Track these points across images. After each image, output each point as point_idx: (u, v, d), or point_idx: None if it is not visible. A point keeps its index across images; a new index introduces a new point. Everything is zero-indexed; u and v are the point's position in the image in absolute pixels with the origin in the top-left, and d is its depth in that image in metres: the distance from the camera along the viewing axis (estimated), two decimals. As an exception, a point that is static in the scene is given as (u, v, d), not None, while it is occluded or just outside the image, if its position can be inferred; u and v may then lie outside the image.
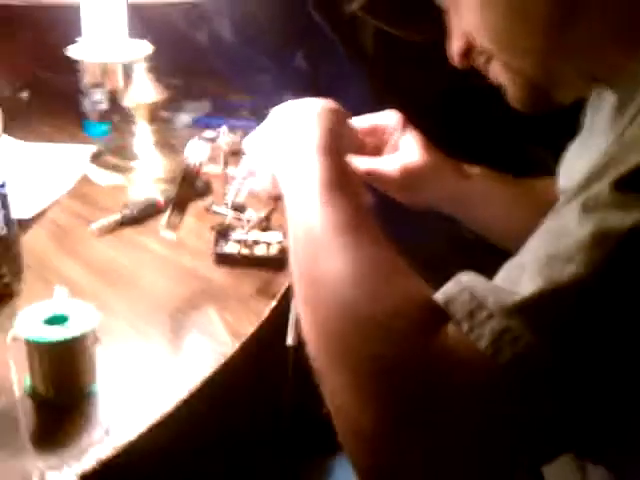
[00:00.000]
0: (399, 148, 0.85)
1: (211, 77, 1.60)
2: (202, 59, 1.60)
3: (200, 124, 1.38)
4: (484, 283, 0.48)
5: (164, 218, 0.85)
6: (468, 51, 0.64)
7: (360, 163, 0.83)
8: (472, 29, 0.62)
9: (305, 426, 0.79)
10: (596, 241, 0.44)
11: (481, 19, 0.60)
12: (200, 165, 0.84)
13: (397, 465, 0.46)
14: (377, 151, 0.86)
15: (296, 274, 0.59)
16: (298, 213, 0.62)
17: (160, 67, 1.18)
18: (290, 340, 0.78)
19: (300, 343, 0.75)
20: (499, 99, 0.72)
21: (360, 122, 0.85)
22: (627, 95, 0.60)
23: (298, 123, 0.70)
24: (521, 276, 0.46)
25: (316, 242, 0.58)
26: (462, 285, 0.48)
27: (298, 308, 0.57)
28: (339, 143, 0.68)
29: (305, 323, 0.56)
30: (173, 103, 1.37)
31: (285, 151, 0.69)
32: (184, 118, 1.39)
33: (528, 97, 0.65)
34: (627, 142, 0.49)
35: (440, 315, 0.48)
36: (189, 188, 0.84)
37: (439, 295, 0.49)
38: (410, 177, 0.83)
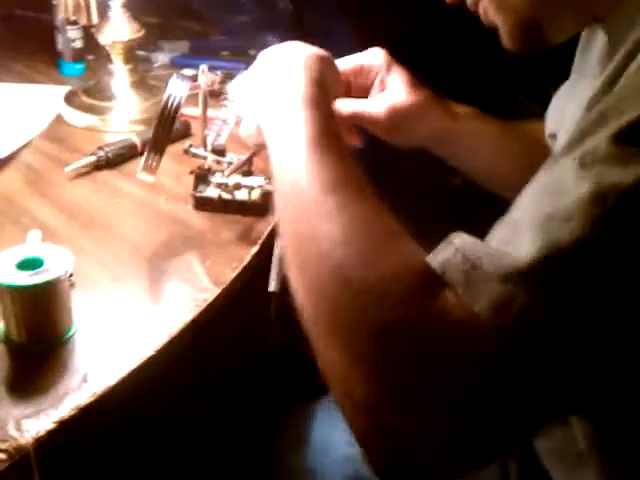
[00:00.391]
0: (386, 87, 0.82)
1: (190, 17, 1.55)
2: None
3: (178, 64, 1.33)
4: (478, 244, 0.46)
5: (141, 161, 0.81)
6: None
7: (345, 105, 0.80)
8: None
9: (288, 371, 0.78)
10: (596, 198, 0.42)
11: None
12: (179, 105, 0.80)
13: (392, 429, 0.45)
14: (364, 92, 0.83)
15: (285, 234, 0.57)
16: (284, 169, 0.59)
17: (137, 5, 1.14)
18: (272, 286, 0.76)
19: (283, 289, 0.74)
20: (489, 45, 0.69)
21: (345, 63, 0.82)
22: (618, 35, 0.59)
23: (283, 71, 0.67)
24: (516, 235, 0.44)
25: (304, 201, 0.55)
26: (455, 247, 0.46)
27: (287, 268, 0.55)
28: (325, 94, 0.65)
29: (294, 283, 0.53)
30: (150, 42, 1.33)
31: (270, 100, 0.66)
32: (162, 58, 1.35)
33: (520, 36, 0.63)
34: (623, 93, 0.47)
35: (435, 279, 0.46)
36: (167, 129, 0.80)
37: (432, 258, 0.47)
38: (397, 117, 0.81)
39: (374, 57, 0.83)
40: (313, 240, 0.52)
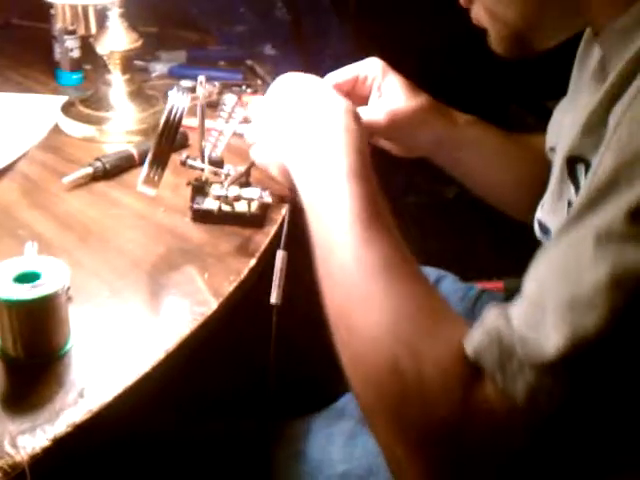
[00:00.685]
0: (384, 94, 0.82)
1: (188, 26, 1.55)
2: (179, 7, 1.55)
3: (176, 74, 1.33)
4: (510, 329, 0.47)
5: (142, 173, 0.80)
6: None
7: None
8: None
9: (286, 385, 0.77)
10: (615, 283, 0.43)
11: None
12: (181, 117, 0.79)
13: None
14: (362, 101, 0.83)
15: (332, 315, 0.58)
16: (327, 245, 0.59)
17: (135, 15, 1.13)
18: (274, 298, 0.76)
19: (284, 301, 0.74)
20: (484, 55, 0.70)
21: (341, 74, 0.83)
22: (613, 50, 0.59)
23: (320, 130, 0.66)
24: (543, 319, 0.46)
25: (352, 285, 0.56)
26: (488, 333, 0.48)
27: (337, 347, 0.57)
28: (368, 164, 0.64)
29: (343, 361, 0.56)
30: (148, 52, 1.33)
31: (308, 163, 0.65)
32: (159, 68, 1.35)
33: (508, 43, 0.65)
34: (632, 150, 0.46)
35: (475, 368, 0.48)
36: (169, 142, 0.78)
37: (468, 346, 0.49)
38: (397, 122, 0.81)
39: (370, 66, 0.83)
40: (360, 327, 0.54)
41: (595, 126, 0.59)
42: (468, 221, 1.66)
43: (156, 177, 0.78)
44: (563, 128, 0.75)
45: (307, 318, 0.83)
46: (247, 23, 1.56)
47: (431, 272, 1.13)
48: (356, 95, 0.83)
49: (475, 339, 0.49)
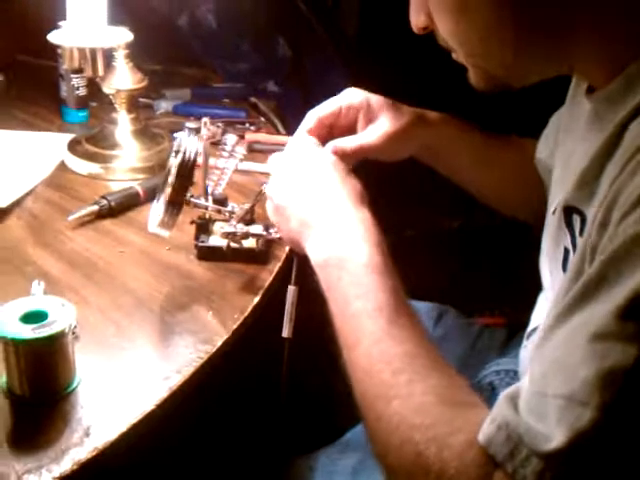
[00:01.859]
0: (372, 120, 0.86)
1: (193, 64, 1.58)
2: (183, 46, 1.57)
3: (180, 112, 1.35)
4: (517, 419, 0.51)
5: (155, 215, 0.81)
6: (429, 28, 0.66)
7: (349, 142, 0.84)
8: (445, 33, 0.64)
9: (292, 423, 0.78)
10: (604, 381, 0.46)
11: (455, 27, 0.62)
12: (195, 160, 0.80)
13: None
14: (348, 130, 0.86)
15: (359, 399, 0.61)
16: (354, 338, 0.63)
17: (141, 53, 1.16)
18: (286, 332, 0.77)
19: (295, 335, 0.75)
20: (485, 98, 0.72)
21: (325, 107, 0.85)
22: (604, 110, 0.61)
23: (338, 222, 0.69)
24: (547, 411, 0.49)
25: (377, 378, 0.60)
26: (498, 425, 0.51)
27: (371, 448, 0.60)
28: (388, 256, 0.67)
29: (371, 444, 0.60)
30: (153, 90, 1.35)
31: (326, 258, 0.68)
32: (164, 105, 1.36)
33: (487, 83, 0.67)
34: (621, 253, 0.49)
35: (490, 456, 0.51)
36: (184, 185, 0.79)
37: (481, 437, 0.52)
38: (392, 142, 0.86)
39: (351, 97, 0.86)
40: (387, 422, 0.57)
41: (589, 181, 0.62)
42: (470, 254, 1.67)
43: (170, 220, 0.80)
44: (557, 167, 0.77)
45: (314, 351, 0.84)
46: (250, 61, 1.59)
47: (432, 308, 1.13)
48: (341, 124, 0.86)
49: (486, 430, 0.52)
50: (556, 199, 0.72)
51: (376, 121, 0.86)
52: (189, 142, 0.80)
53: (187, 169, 0.79)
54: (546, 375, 0.51)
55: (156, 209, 0.82)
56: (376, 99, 0.86)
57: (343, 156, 0.80)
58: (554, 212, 0.72)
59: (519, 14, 0.59)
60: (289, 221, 0.74)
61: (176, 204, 0.79)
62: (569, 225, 0.68)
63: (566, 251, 0.70)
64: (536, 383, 0.51)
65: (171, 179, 0.79)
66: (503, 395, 0.54)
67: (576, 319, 0.50)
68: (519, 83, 0.66)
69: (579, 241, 0.67)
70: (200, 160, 0.88)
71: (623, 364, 0.46)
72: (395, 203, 1.63)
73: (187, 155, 0.79)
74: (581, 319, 0.50)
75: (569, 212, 0.68)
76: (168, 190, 0.79)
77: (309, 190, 0.73)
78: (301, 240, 0.72)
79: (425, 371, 0.59)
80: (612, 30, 0.58)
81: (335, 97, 0.87)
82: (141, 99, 1.30)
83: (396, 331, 0.62)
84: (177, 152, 0.81)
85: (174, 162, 0.79)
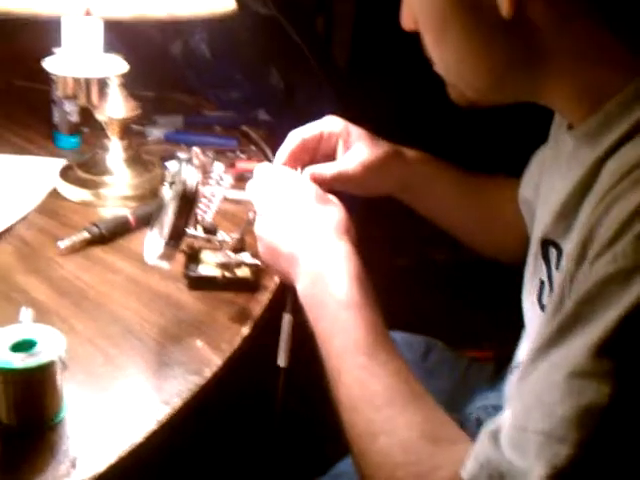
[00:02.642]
0: (349, 148, 0.88)
1: (185, 92, 1.59)
2: (177, 74, 1.59)
3: (172, 139, 1.36)
4: (499, 454, 0.52)
5: (154, 247, 0.81)
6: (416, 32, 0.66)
7: (328, 169, 0.85)
8: (427, 45, 0.65)
9: (286, 452, 0.78)
10: (581, 419, 0.48)
11: (434, 45, 0.64)
12: (196, 193, 0.79)
13: None
14: (330, 156, 0.88)
15: (346, 432, 0.62)
16: (336, 372, 0.64)
17: (134, 80, 1.16)
18: (281, 361, 0.77)
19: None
20: (474, 125, 0.73)
21: (307, 131, 0.87)
22: (582, 146, 0.62)
23: (319, 252, 0.71)
24: (528, 445, 0.50)
25: (358, 413, 0.61)
26: (481, 463, 0.52)
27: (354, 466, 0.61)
28: (369, 290, 0.69)
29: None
30: (145, 117, 1.36)
31: (310, 293, 0.70)
32: (156, 132, 1.37)
33: (459, 100, 0.68)
34: (594, 292, 0.50)
35: None
36: (186, 217, 0.79)
37: (464, 474, 0.53)
38: (368, 172, 0.87)
39: (332, 124, 0.88)
40: (371, 457, 0.59)
41: (566, 215, 0.63)
42: (460, 286, 1.67)
43: (172, 252, 0.79)
44: (539, 203, 0.78)
45: (308, 380, 0.84)
46: (242, 90, 1.60)
47: (420, 341, 1.14)
48: (322, 150, 0.88)
49: (469, 468, 0.53)
50: (535, 233, 0.73)
51: (355, 150, 0.87)
52: (189, 173, 0.79)
53: (190, 201, 0.78)
54: (526, 410, 0.51)
55: (152, 239, 0.82)
56: (355, 129, 0.88)
57: (322, 183, 0.82)
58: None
59: (493, 45, 0.60)
60: (279, 260, 0.76)
61: (179, 236, 0.79)
62: (545, 257, 0.70)
63: (541, 283, 0.71)
64: (517, 417, 0.52)
65: (173, 211, 0.78)
66: (485, 431, 0.54)
67: (554, 355, 0.51)
68: (487, 105, 0.67)
69: (555, 274, 0.68)
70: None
71: (599, 402, 0.47)
72: (387, 233, 1.64)
73: (189, 187, 0.78)
74: (559, 355, 0.51)
75: (546, 245, 0.69)
76: (171, 222, 0.78)
77: (294, 227, 0.74)
78: (291, 278, 0.74)
79: (406, 406, 0.60)
80: (588, 67, 0.59)
81: (317, 122, 0.89)
82: (133, 126, 1.30)
83: (376, 367, 0.62)
84: (172, 183, 0.81)
85: (174, 193, 0.80)
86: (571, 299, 0.52)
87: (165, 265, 0.80)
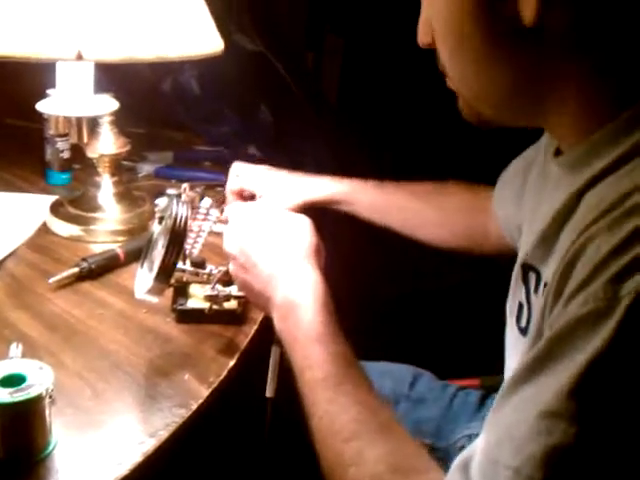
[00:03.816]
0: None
1: (175, 127, 1.61)
2: (167, 109, 1.61)
3: (162, 175, 1.38)
4: None
5: (143, 281, 0.82)
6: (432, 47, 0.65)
7: None
8: (442, 58, 0.64)
9: None
10: (549, 458, 0.48)
11: (449, 57, 0.63)
12: (185, 228, 0.81)
13: None
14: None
15: (321, 463, 0.64)
16: (308, 403, 0.66)
17: (125, 116, 1.19)
18: (269, 392, 0.78)
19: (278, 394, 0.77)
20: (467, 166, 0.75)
21: (231, 184, 1.01)
22: (565, 175, 0.63)
23: (288, 283, 0.74)
24: (496, 479, 0.51)
25: (329, 446, 0.63)
26: None
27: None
28: (336, 321, 0.71)
29: None
30: (136, 153, 1.38)
31: (281, 323, 0.73)
32: (146, 168, 1.39)
33: (469, 115, 0.67)
34: (565, 333, 0.51)
35: None
36: (176, 253, 0.80)
37: None
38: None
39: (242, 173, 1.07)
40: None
41: (546, 241, 0.65)
42: (445, 315, 1.69)
43: (161, 286, 0.80)
44: (525, 225, 0.79)
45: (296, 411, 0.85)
46: (232, 125, 1.63)
47: (408, 370, 1.15)
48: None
49: None
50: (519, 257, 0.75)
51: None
52: (178, 209, 0.81)
53: (179, 236, 0.80)
54: (498, 443, 0.52)
55: (141, 275, 0.84)
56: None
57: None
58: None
59: (512, 56, 0.59)
60: (256, 297, 0.78)
61: (168, 271, 0.80)
62: (524, 281, 0.71)
63: (520, 305, 0.73)
64: (489, 449, 0.53)
65: (163, 246, 0.79)
66: (455, 464, 0.55)
67: (526, 391, 0.52)
68: (497, 124, 0.67)
69: (533, 298, 0.70)
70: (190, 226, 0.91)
71: (566, 443, 0.48)
72: (370, 263, 1.66)
73: (178, 222, 0.80)
74: (530, 392, 0.51)
75: (526, 269, 0.71)
76: (160, 257, 0.79)
77: (261, 265, 0.77)
78: (268, 313, 0.76)
79: (375, 438, 0.61)
80: (592, 90, 0.58)
81: (231, 176, 1.05)
82: (124, 162, 1.32)
83: (343, 399, 0.64)
84: (161, 218, 0.83)
85: (163, 228, 0.81)
86: (545, 336, 0.52)
87: (153, 299, 0.82)
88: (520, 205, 0.85)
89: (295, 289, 0.73)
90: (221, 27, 1.12)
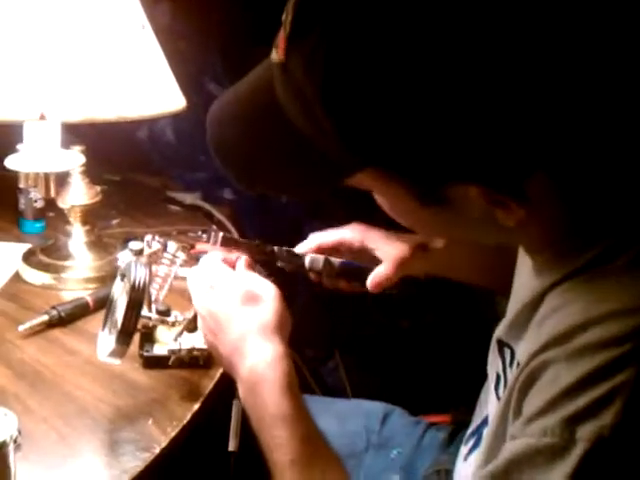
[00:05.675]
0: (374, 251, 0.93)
1: (150, 173, 1.64)
2: (142, 156, 1.64)
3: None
4: None
5: (105, 344, 0.83)
6: None
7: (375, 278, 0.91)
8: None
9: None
10: None
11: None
12: (144, 290, 0.81)
13: None
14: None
15: None
16: None
17: (100, 164, 1.21)
18: (232, 446, 0.79)
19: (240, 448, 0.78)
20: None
21: (326, 236, 0.93)
22: (537, 272, 0.67)
23: (253, 369, 0.74)
24: None
25: None
26: None
27: None
28: (302, 403, 0.73)
29: None
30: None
31: (247, 401, 0.74)
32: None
33: None
34: (522, 458, 0.53)
35: None
36: (135, 315, 0.80)
37: None
38: (401, 266, 0.91)
39: (353, 232, 0.94)
40: None
41: (519, 324, 0.68)
42: (419, 352, 1.71)
43: (122, 349, 0.81)
44: (511, 296, 0.82)
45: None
46: (207, 170, 1.66)
47: (379, 407, 1.17)
48: (342, 254, 0.94)
49: None
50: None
51: (379, 252, 0.92)
52: (137, 272, 0.81)
53: (138, 301, 0.81)
54: None
55: (103, 337, 0.85)
56: (374, 234, 0.93)
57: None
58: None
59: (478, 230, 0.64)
60: (223, 361, 0.79)
61: (128, 333, 0.80)
62: (501, 354, 0.74)
63: (498, 376, 0.75)
64: None
65: (122, 310, 0.80)
66: None
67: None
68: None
69: (508, 371, 0.72)
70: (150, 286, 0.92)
71: None
72: (346, 302, 1.68)
73: (137, 286, 0.80)
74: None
75: (501, 344, 0.73)
76: (119, 321, 0.80)
77: (225, 333, 0.77)
78: (232, 376, 0.77)
79: None
80: (555, 213, 0.61)
81: (339, 229, 0.94)
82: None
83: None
84: (123, 276, 0.84)
85: (123, 289, 0.82)
86: (502, 454, 0.55)
87: (116, 362, 0.83)
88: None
89: (260, 364, 0.73)
90: (195, 77, 1.16)
